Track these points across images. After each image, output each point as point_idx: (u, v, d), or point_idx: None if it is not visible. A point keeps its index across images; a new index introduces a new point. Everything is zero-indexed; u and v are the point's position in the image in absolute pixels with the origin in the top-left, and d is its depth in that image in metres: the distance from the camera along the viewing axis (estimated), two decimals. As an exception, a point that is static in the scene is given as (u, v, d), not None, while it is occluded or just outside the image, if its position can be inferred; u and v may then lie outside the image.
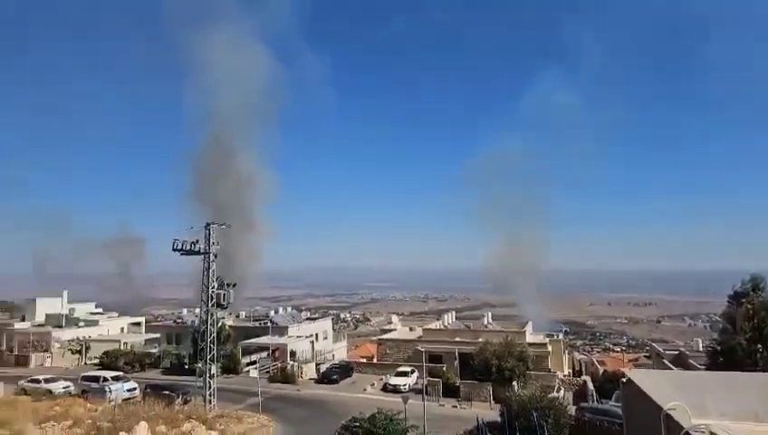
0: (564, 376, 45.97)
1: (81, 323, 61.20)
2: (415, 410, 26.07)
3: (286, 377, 42.75)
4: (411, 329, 60.39)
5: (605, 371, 53.38)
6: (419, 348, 46.62)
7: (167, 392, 32.53)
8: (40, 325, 60.11)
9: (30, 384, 36.12)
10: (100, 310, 72.14)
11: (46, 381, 36.61)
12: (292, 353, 48.32)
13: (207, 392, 30.13)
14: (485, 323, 66.17)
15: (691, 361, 39.93)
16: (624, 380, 8.37)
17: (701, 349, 44.34)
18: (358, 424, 19.12)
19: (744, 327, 28.55)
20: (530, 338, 49.44)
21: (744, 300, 29.92)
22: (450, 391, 38.50)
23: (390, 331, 59.26)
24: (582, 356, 76.21)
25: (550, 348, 45.56)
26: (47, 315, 62.24)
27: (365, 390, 40.26)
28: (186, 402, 31.33)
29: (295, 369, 44.47)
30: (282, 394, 38.10)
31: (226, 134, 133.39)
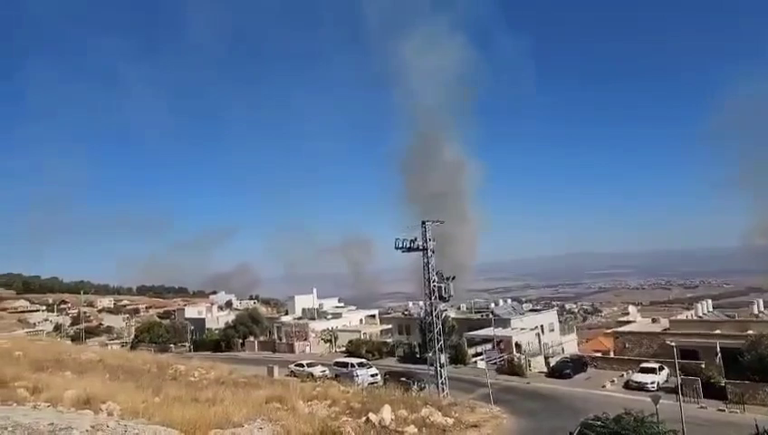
0: None
1: (329, 316, 71.15)
2: (668, 412, 22.91)
3: (514, 369, 42.23)
4: (654, 320, 53.50)
5: None
6: (668, 342, 40.83)
7: (404, 379, 35.10)
8: (299, 318, 71.93)
9: (296, 368, 43.26)
10: (341, 304, 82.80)
11: (308, 365, 43.35)
12: (518, 345, 47.52)
13: (440, 381, 31.68)
14: (755, 311, 54.69)
15: None
16: None
17: None
18: (601, 423, 17.55)
19: None
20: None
21: None
22: (713, 393, 32.72)
23: (628, 322, 53.99)
24: None
25: None
26: (303, 310, 74.16)
27: (604, 386, 37.11)
28: (421, 389, 33.43)
29: (523, 361, 43.60)
30: (511, 386, 37.73)
31: (431, 129, 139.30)
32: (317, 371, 41.50)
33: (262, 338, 68.03)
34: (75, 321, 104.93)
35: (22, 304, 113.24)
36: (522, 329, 52.48)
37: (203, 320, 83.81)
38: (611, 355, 47.51)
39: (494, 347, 47.40)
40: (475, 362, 45.99)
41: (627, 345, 46.27)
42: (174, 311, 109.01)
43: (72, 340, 76.87)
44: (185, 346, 70.86)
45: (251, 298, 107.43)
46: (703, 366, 36.11)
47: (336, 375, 38.88)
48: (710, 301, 60.43)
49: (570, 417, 25.55)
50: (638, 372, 37.50)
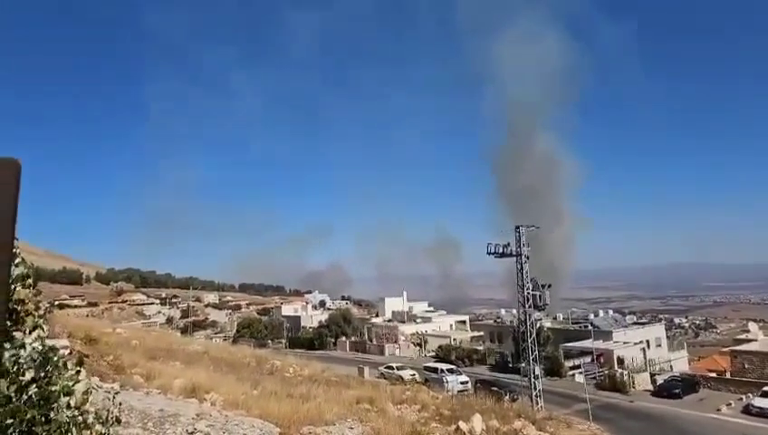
0: None
1: (419, 320, 71.23)
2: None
3: (615, 385, 39.51)
4: (780, 340, 47.48)
5: None
6: (798, 365, 36.09)
7: (495, 389, 34.18)
8: (389, 320, 72.74)
9: (386, 370, 43.70)
10: (431, 308, 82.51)
11: (398, 368, 43.65)
12: (620, 360, 44.41)
13: (534, 393, 30.42)
14: None
15: None
16: None
17: None
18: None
19: None
20: None
21: None
22: None
23: (748, 341, 48.44)
24: None
25: None
26: (393, 312, 74.91)
27: (719, 410, 33.51)
28: (513, 400, 32.29)
29: (626, 377, 40.61)
30: (612, 404, 35.32)
31: (525, 126, 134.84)
32: (406, 374, 41.61)
33: (353, 338, 69.65)
34: (184, 314, 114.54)
35: (139, 297, 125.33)
36: (625, 343, 49.04)
37: (298, 318, 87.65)
38: (728, 376, 43.05)
39: (593, 360, 44.63)
40: (573, 375, 43.64)
41: (746, 366, 41.61)
42: (272, 308, 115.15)
43: (182, 332, 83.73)
44: (281, 343, 74.56)
45: (343, 298, 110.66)
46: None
47: (425, 380, 38.77)
48: None
49: (680, 442, 23.40)
50: (760, 395, 33.43)
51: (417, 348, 61.90)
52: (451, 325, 72.72)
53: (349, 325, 71.92)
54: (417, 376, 40.78)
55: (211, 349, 39.04)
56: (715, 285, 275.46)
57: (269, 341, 75.62)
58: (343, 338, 68.89)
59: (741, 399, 35.29)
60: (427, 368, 41.64)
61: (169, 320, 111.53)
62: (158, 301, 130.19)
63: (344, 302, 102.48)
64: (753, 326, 60.10)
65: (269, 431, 12.09)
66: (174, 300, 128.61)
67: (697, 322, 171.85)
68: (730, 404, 34.63)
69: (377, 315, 78.82)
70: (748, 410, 32.55)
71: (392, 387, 28.50)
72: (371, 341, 66.84)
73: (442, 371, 39.63)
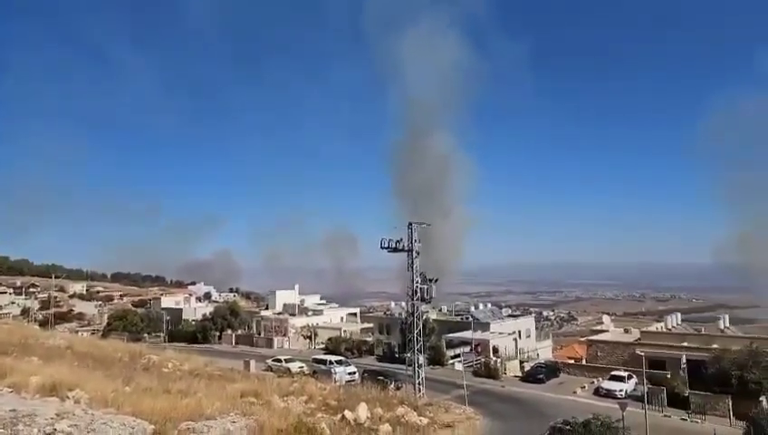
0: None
1: (310, 313, 70.97)
2: (634, 419, 23.42)
3: (490, 372, 42.66)
4: (626, 331, 54.49)
5: None
6: (638, 352, 41.70)
7: (381, 378, 35.12)
8: (279, 313, 71.51)
9: (274, 363, 43.03)
10: (323, 301, 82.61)
11: (286, 361, 43.17)
12: (495, 349, 48.01)
13: (417, 381, 31.84)
14: (721, 327, 56.12)
15: None
16: None
17: None
18: (570, 428, 17.90)
19: None
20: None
21: None
22: (677, 402, 33.56)
23: (601, 332, 54.81)
24: None
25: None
26: (284, 305, 73.80)
27: (575, 392, 37.72)
28: (398, 389, 33.51)
29: (499, 365, 44.07)
30: (486, 389, 38.08)
31: (421, 125, 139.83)
32: (295, 366, 41.39)
33: (240, 332, 67.63)
34: (44, 305, 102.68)
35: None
36: (500, 333, 53.00)
37: (180, 310, 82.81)
38: (584, 362, 48.35)
39: (471, 350, 47.79)
40: (453, 363, 46.33)
41: (599, 353, 47.00)
42: (150, 300, 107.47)
43: (41, 325, 75.12)
44: (159, 336, 69.91)
45: (231, 291, 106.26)
46: (669, 377, 37.04)
47: (314, 372, 38.78)
48: (679, 314, 61.52)
49: (540, 420, 25.98)
50: (608, 379, 38.21)
51: (308, 340, 61.67)
52: (342, 318, 73.44)
53: (236, 318, 69.54)
54: (305, 368, 40.68)
55: (76, 343, 35.63)
56: (578, 282, 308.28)
57: (145, 335, 70.47)
58: (229, 331, 66.53)
59: (593, 382, 39.88)
60: (315, 360, 41.69)
61: (25, 311, 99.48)
62: (11, 290, 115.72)
63: (232, 294, 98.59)
64: (606, 319, 68.37)
65: (142, 429, 11.38)
66: (32, 289, 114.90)
67: (562, 315, 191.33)
68: (584, 387, 39.04)
69: (267, 308, 77.07)
70: (598, 392, 36.99)
71: (279, 380, 28.18)
72: (260, 334, 65.31)
73: (331, 362, 39.92)
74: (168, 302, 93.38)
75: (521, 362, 46.32)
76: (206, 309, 77.68)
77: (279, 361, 43.18)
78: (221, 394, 19.15)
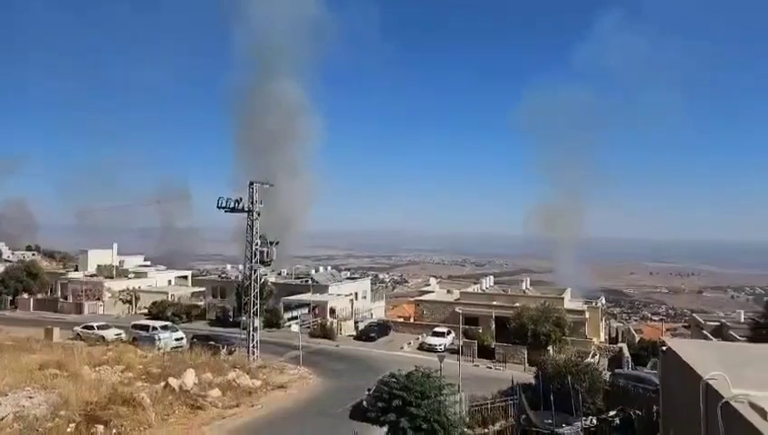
0: (600, 343, 45.80)
1: (131, 275, 64.49)
2: (450, 369, 26.25)
3: (326, 333, 43.87)
4: (449, 292, 60.50)
5: (641, 339, 53.23)
6: (456, 310, 46.71)
7: (212, 343, 33.93)
8: (92, 275, 63.55)
9: (84, 331, 38.45)
10: (148, 263, 75.58)
11: (99, 327, 38.87)
12: (332, 311, 49.39)
13: (251, 344, 31.27)
14: (524, 288, 65.48)
15: (732, 332, 38.34)
16: (663, 348, 7.94)
17: (743, 320, 42.60)
18: (395, 380, 19.31)
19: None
20: (568, 304, 48.80)
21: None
22: (486, 353, 38.85)
23: (428, 292, 59.68)
24: (619, 324, 74.62)
25: (587, 315, 45.23)
26: (98, 266, 65.72)
27: (402, 348, 40.90)
28: (231, 353, 32.65)
29: (335, 325, 45.52)
30: (321, 349, 39.18)
31: (269, 74, 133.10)
32: (110, 334, 37.61)
33: (40, 296, 58.99)
34: None
35: None
36: (338, 295, 54.58)
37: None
38: (412, 320, 52.55)
39: (309, 312, 48.47)
40: (290, 325, 46.50)
41: (425, 312, 51.52)
42: None
43: None
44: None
45: (29, 249, 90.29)
46: (480, 331, 42.40)
47: (134, 339, 35.67)
48: (492, 277, 70.27)
49: (370, 375, 27.60)
50: (431, 335, 42.27)
51: (127, 305, 56.27)
52: (170, 281, 68.34)
53: (35, 280, 60.22)
54: (123, 335, 37.27)
55: None
56: (412, 248, 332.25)
57: None
58: (26, 295, 57.60)
59: (418, 338, 43.73)
60: (136, 326, 38.23)
61: None
62: None
63: (30, 253, 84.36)
64: (432, 281, 74.73)
65: None
66: None
67: (396, 277, 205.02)
68: (410, 343, 42.63)
69: (76, 269, 67.77)
70: (422, 347, 40.76)
71: (90, 349, 25.39)
72: (66, 298, 57.65)
73: (154, 328, 37.02)
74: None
75: (355, 322, 48.48)
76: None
77: (90, 327, 38.76)
78: (15, 367, 16.50)
